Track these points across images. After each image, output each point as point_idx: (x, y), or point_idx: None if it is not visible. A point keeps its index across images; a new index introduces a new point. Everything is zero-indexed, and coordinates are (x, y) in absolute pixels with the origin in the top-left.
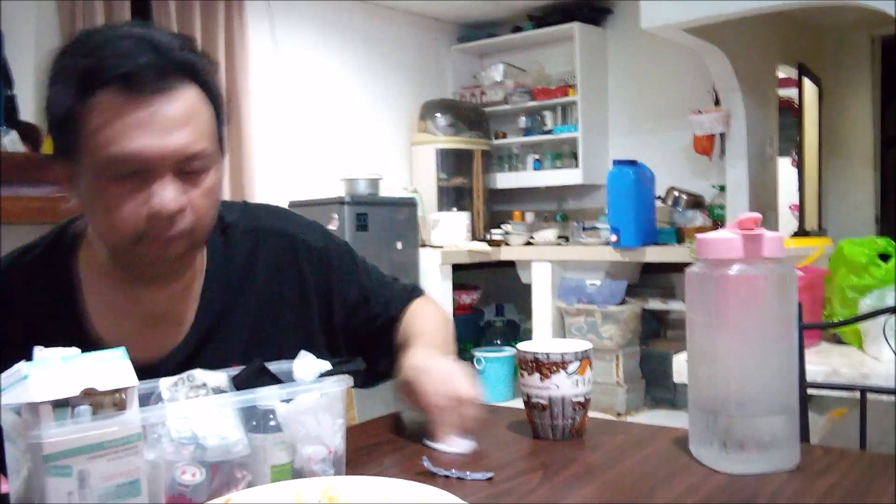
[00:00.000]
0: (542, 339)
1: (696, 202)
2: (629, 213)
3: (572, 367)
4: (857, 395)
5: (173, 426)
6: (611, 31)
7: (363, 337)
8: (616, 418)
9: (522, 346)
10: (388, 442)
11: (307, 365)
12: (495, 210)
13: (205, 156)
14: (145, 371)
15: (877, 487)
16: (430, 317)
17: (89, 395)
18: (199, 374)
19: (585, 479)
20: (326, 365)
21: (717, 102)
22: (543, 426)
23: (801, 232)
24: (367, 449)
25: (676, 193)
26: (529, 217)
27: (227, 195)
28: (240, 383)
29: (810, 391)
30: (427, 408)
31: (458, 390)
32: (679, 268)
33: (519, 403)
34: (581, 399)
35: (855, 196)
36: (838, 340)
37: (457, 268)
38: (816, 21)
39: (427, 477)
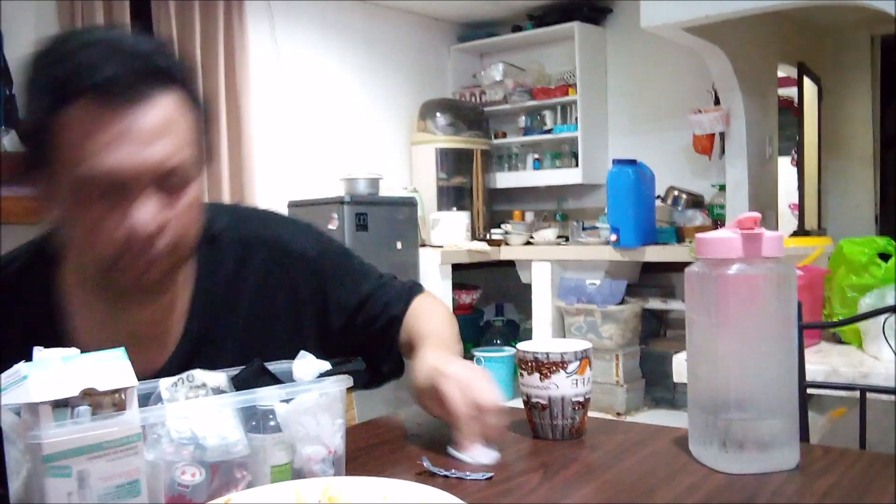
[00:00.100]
0: (541, 339)
1: (695, 201)
2: (629, 212)
3: (572, 366)
4: (857, 394)
5: (173, 426)
6: (611, 31)
7: (363, 340)
8: (616, 418)
9: (522, 345)
10: (388, 442)
11: (307, 365)
12: (495, 210)
13: (186, 168)
14: None
15: (877, 487)
16: (434, 315)
17: (89, 395)
18: (199, 375)
19: (585, 479)
20: (326, 365)
21: (716, 102)
22: (543, 426)
23: (801, 231)
24: (367, 449)
25: (676, 193)
26: (529, 217)
27: (226, 196)
28: (239, 383)
29: (810, 391)
30: (450, 417)
31: (480, 398)
32: (679, 267)
33: (519, 403)
34: (581, 399)
35: (855, 195)
36: (838, 340)
37: (456, 267)
38: (816, 20)
39: (427, 477)
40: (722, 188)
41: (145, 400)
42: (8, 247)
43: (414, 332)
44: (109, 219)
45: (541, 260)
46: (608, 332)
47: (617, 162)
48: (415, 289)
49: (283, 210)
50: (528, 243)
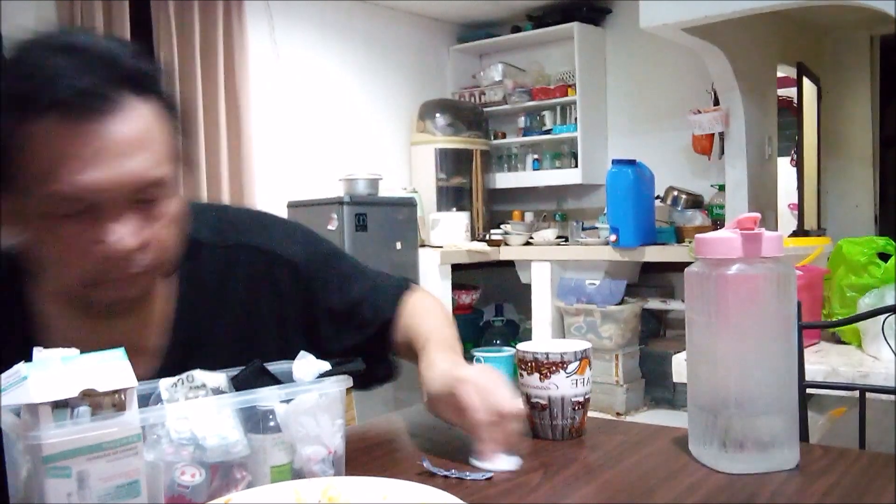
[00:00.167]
0: (541, 339)
1: (695, 202)
2: (628, 212)
3: (571, 366)
4: (857, 394)
5: (173, 427)
6: (610, 31)
7: (356, 346)
8: (616, 418)
9: (522, 346)
10: (388, 442)
11: (307, 365)
12: (495, 210)
13: (165, 182)
14: None
15: (876, 487)
16: (432, 314)
17: (89, 395)
18: (199, 375)
19: (585, 479)
20: (326, 365)
21: (716, 102)
22: (543, 426)
23: (801, 231)
24: (367, 449)
25: (676, 193)
26: (529, 217)
27: (226, 197)
28: (239, 384)
29: (810, 391)
30: (470, 425)
31: (500, 404)
32: (678, 267)
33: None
34: (580, 399)
35: (854, 195)
36: (838, 340)
37: (456, 268)
38: (816, 21)
39: (427, 477)
40: (721, 188)
41: (145, 400)
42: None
43: (413, 334)
44: (84, 238)
45: (540, 260)
46: (608, 332)
47: (616, 162)
48: (406, 287)
49: (283, 210)
50: (528, 243)
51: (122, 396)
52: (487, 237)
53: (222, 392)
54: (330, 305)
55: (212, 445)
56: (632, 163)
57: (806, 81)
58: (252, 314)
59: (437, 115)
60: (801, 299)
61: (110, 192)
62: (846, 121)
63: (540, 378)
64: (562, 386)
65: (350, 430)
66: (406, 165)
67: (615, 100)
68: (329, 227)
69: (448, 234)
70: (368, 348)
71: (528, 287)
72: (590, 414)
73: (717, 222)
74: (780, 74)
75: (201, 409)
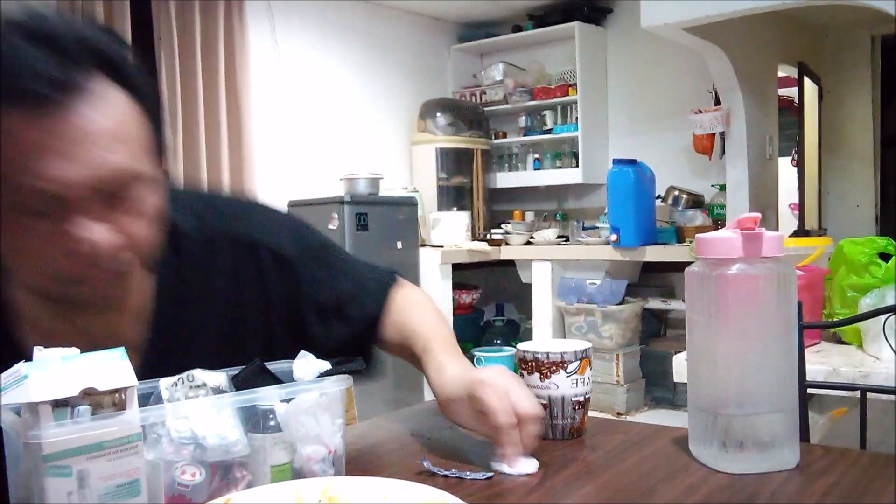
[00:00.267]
0: (541, 339)
1: (696, 201)
2: (629, 212)
3: (572, 366)
4: (857, 394)
5: (173, 426)
6: (611, 31)
7: (343, 339)
8: (616, 418)
9: (522, 345)
10: (388, 442)
11: (307, 364)
12: (495, 209)
13: (143, 176)
14: None
15: (877, 487)
16: (424, 311)
17: (89, 395)
18: (199, 374)
19: (585, 479)
20: (326, 365)
21: (717, 102)
22: (543, 426)
23: (801, 231)
24: (367, 449)
25: (676, 193)
26: (529, 216)
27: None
28: (239, 383)
29: (810, 391)
30: (492, 429)
31: (520, 407)
32: (679, 267)
33: None
34: (581, 399)
35: (855, 195)
36: (838, 340)
37: (457, 267)
38: (816, 20)
39: (427, 477)
40: (722, 188)
41: (145, 400)
42: None
43: (409, 332)
44: (57, 235)
45: (541, 260)
46: (608, 331)
47: (617, 162)
48: (393, 281)
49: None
50: (529, 243)
51: (123, 395)
52: (488, 237)
53: (222, 391)
54: (317, 300)
55: (212, 445)
56: (632, 162)
57: (807, 81)
58: (237, 306)
59: (438, 114)
60: (801, 299)
61: (82, 187)
62: (847, 120)
63: (540, 378)
64: (562, 386)
65: (350, 430)
66: (407, 165)
67: (616, 99)
68: (330, 227)
69: (449, 234)
70: (353, 347)
71: (528, 287)
72: (590, 414)
73: (718, 222)
74: (780, 74)
75: (201, 409)
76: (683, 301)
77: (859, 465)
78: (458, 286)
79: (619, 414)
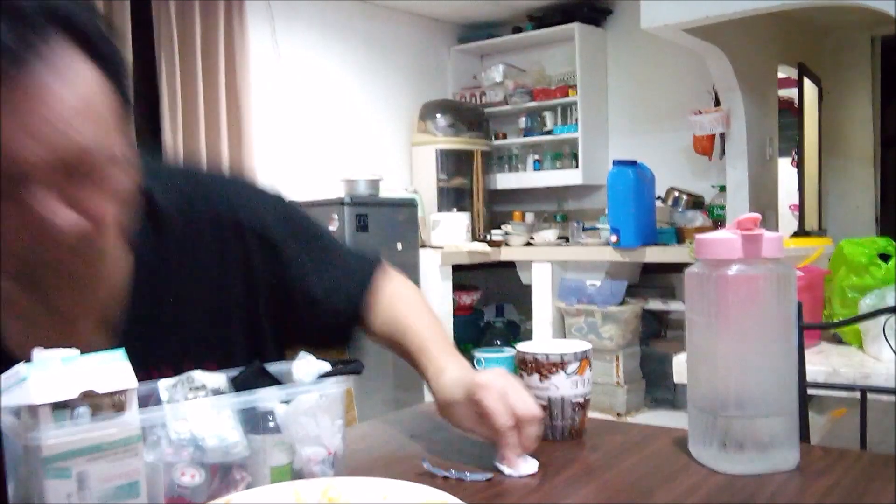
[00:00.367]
0: (541, 340)
1: (696, 202)
2: (629, 213)
3: (571, 367)
4: (858, 395)
5: (172, 428)
6: (611, 32)
7: (325, 331)
8: (616, 419)
9: (522, 346)
10: (388, 442)
11: (306, 366)
12: (495, 210)
13: (110, 154)
14: None
15: (877, 487)
16: (415, 306)
17: (88, 396)
18: (199, 376)
19: (585, 480)
20: (326, 366)
21: (717, 103)
22: (543, 426)
23: (801, 232)
24: (367, 449)
25: (676, 194)
26: (529, 217)
27: None
28: (239, 384)
29: (810, 391)
30: (493, 431)
31: (519, 409)
32: (679, 268)
33: None
34: (580, 399)
35: (855, 196)
36: (838, 340)
37: (457, 268)
38: (816, 21)
39: (427, 477)
40: (722, 189)
41: (145, 401)
42: None
43: (401, 328)
44: (14, 218)
45: (541, 261)
46: (608, 332)
47: (617, 163)
48: (379, 270)
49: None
50: (529, 244)
51: (122, 397)
52: (488, 238)
53: (222, 393)
54: (303, 285)
55: (211, 446)
56: (633, 163)
57: (807, 82)
58: (220, 288)
59: (438, 115)
60: (801, 300)
61: (46, 168)
62: (847, 121)
63: (540, 379)
64: (562, 386)
65: (350, 431)
66: (407, 166)
67: (616, 100)
68: (330, 228)
69: (449, 235)
70: (339, 330)
71: (528, 288)
72: (590, 415)
73: (718, 223)
74: (780, 75)
75: (201, 410)
76: (683, 302)
77: (859, 465)
78: (458, 287)
79: (619, 415)
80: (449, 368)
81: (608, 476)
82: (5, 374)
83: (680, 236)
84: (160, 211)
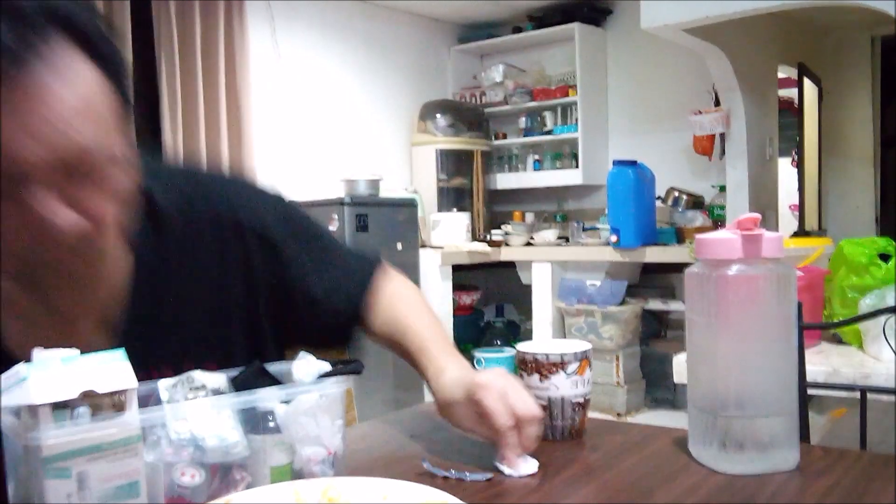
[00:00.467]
0: (541, 340)
1: (696, 202)
2: (629, 213)
3: (571, 367)
4: (858, 395)
5: (172, 428)
6: (611, 32)
7: (329, 328)
8: (616, 419)
9: (522, 346)
10: (388, 442)
11: (307, 366)
12: (495, 210)
13: (110, 154)
14: None
15: (877, 487)
16: (414, 306)
17: (88, 396)
18: (199, 376)
19: (585, 480)
20: (326, 366)
21: (717, 103)
22: (543, 426)
23: (802, 232)
24: (367, 449)
25: (676, 194)
26: (529, 217)
27: None
28: (239, 384)
29: (810, 391)
30: (494, 431)
31: (519, 409)
32: (679, 268)
33: None
34: (580, 399)
35: (855, 196)
36: (838, 340)
37: (457, 268)
38: (816, 21)
39: (427, 477)
40: (722, 189)
41: (145, 401)
42: None
43: (401, 328)
44: (13, 219)
45: (541, 261)
46: (608, 332)
47: (617, 163)
48: (379, 270)
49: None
50: (529, 244)
51: (122, 397)
52: (488, 238)
53: (222, 393)
54: (303, 285)
55: (211, 446)
56: (633, 163)
57: (807, 82)
58: (220, 288)
59: (438, 115)
60: (801, 300)
61: (46, 168)
62: (847, 121)
63: (540, 379)
64: (562, 386)
65: (350, 431)
66: (407, 166)
67: (616, 100)
68: (330, 228)
69: (449, 235)
70: (339, 330)
71: (528, 288)
72: (590, 415)
73: (718, 223)
74: (780, 75)
75: (201, 410)
76: (683, 302)
77: (859, 465)
78: (458, 287)
79: (619, 415)
80: (449, 368)
81: (608, 476)
82: (5, 374)
83: (680, 236)
84: (160, 211)
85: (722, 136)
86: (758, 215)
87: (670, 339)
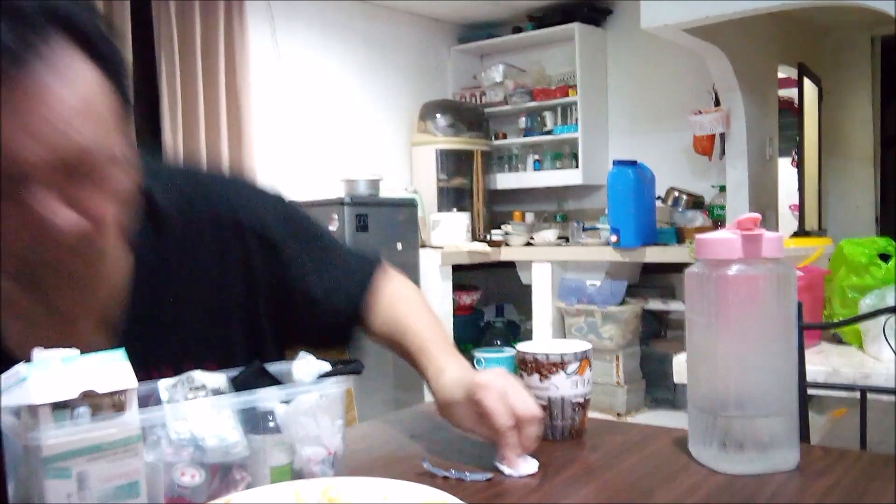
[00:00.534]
0: (541, 340)
1: (696, 202)
2: (629, 213)
3: (571, 367)
4: (858, 395)
5: (172, 428)
6: (611, 32)
7: (329, 328)
8: (616, 419)
9: (522, 346)
10: (388, 442)
11: (306, 366)
12: (495, 210)
13: (110, 154)
14: None
15: (877, 487)
16: (414, 306)
17: (88, 396)
18: (199, 376)
19: (585, 480)
20: (326, 366)
21: (717, 103)
22: (543, 426)
23: (801, 232)
24: (367, 449)
25: (676, 194)
26: (529, 217)
27: None
28: (239, 384)
29: (810, 391)
30: (494, 431)
31: (519, 409)
32: (679, 268)
33: None
34: (580, 399)
35: (855, 196)
36: (838, 340)
37: (457, 268)
38: (816, 21)
39: (427, 477)
40: (722, 189)
41: (145, 401)
42: None
43: (401, 328)
44: (13, 219)
45: (541, 261)
46: (608, 332)
47: (617, 163)
48: (379, 270)
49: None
50: (529, 244)
51: (122, 397)
52: (488, 238)
53: (222, 393)
54: (303, 285)
55: (211, 446)
56: (633, 163)
57: (807, 82)
58: (220, 288)
59: (438, 115)
60: (801, 300)
61: (45, 168)
62: (847, 121)
63: (540, 379)
64: (562, 386)
65: (350, 431)
66: (407, 166)
67: (616, 100)
68: (330, 228)
69: (449, 235)
70: (339, 330)
71: (528, 288)
72: (590, 415)
73: (718, 223)
74: (780, 75)
75: (201, 410)
76: (683, 302)
77: (859, 465)
78: (458, 287)
79: (619, 415)
80: (449, 368)
81: (608, 476)
82: (5, 374)
83: (680, 236)
84: (160, 211)
85: (722, 136)
86: (758, 215)
87: (670, 339)
